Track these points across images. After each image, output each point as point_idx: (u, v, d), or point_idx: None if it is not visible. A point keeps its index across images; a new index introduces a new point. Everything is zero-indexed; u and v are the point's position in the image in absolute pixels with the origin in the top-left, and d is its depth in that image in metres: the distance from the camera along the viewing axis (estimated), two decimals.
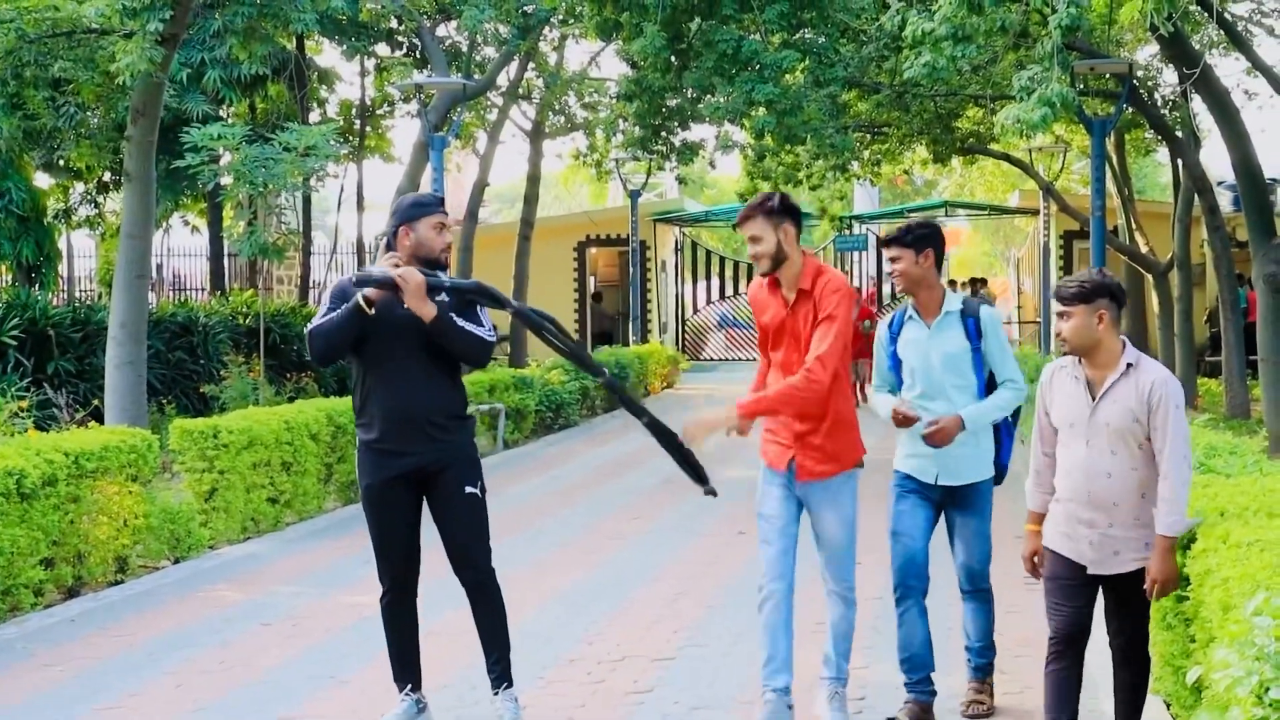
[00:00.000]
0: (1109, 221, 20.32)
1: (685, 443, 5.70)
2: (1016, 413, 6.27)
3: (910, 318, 6.15)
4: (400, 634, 5.99)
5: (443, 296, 5.74)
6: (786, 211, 5.74)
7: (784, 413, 5.75)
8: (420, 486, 5.89)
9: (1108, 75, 17.49)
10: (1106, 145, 17.81)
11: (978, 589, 6.22)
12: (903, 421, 6.00)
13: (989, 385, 6.12)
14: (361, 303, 5.65)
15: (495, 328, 5.98)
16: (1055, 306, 5.19)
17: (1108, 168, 21.58)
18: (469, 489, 5.85)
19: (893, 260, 6.11)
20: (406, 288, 5.59)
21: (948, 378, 6.05)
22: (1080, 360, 5.17)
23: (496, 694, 5.93)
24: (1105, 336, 5.09)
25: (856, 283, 35.36)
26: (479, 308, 5.87)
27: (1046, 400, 5.34)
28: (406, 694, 6.00)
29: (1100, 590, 5.27)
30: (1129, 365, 5.08)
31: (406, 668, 6.02)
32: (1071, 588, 5.22)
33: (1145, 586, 5.07)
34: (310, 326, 5.78)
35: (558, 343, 5.76)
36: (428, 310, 5.62)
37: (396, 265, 5.75)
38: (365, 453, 5.90)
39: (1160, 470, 5.01)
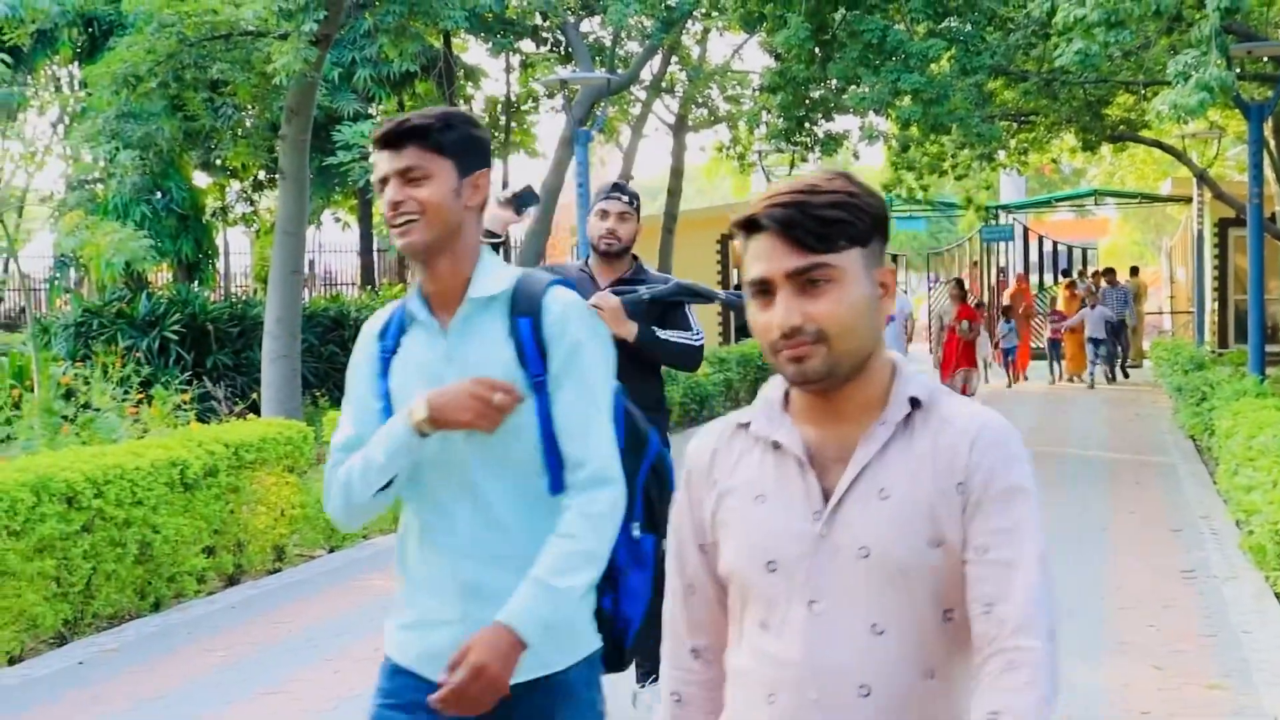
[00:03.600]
0: (1267, 209, 19.74)
1: None
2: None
3: None
4: None
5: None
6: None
7: None
8: None
9: (1266, 58, 16.96)
10: (1265, 130, 17.26)
11: None
12: None
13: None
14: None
15: (703, 329, 5.77)
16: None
17: (1266, 154, 20.93)
18: None
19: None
20: (604, 314, 5.30)
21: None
22: (787, 401, 2.16)
23: (642, 686, 5.90)
24: (863, 328, 2.06)
25: (1001, 275, 34.77)
26: (686, 308, 5.67)
27: (701, 516, 2.22)
28: None
29: None
30: (914, 403, 2.09)
31: None
32: None
33: None
34: None
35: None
36: (629, 331, 5.41)
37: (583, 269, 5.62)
38: None
39: (992, 641, 1.99)
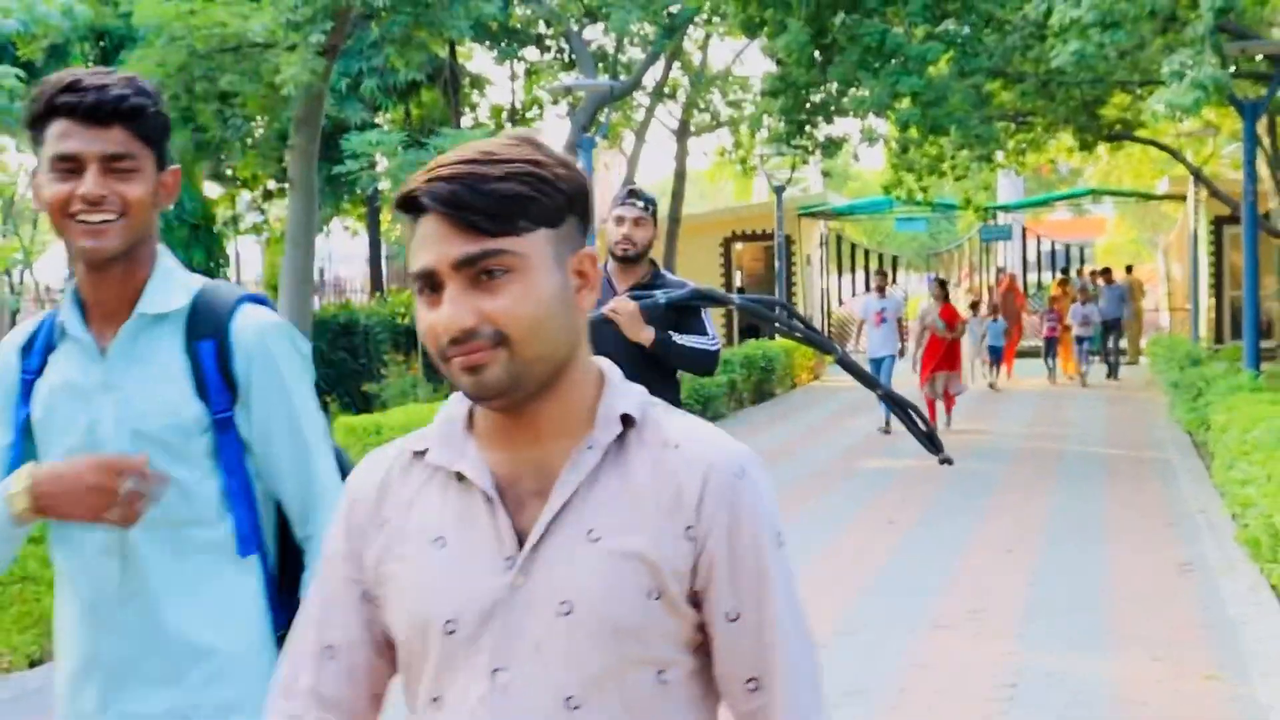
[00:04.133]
0: (1261, 206, 19.74)
1: (918, 415, 5.24)
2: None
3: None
4: None
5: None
6: None
7: None
8: None
9: (1260, 57, 16.96)
10: (1259, 128, 17.26)
11: None
12: None
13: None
14: None
15: (719, 334, 5.78)
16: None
17: (1260, 152, 20.93)
18: None
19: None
20: (620, 319, 5.42)
21: None
22: (472, 421, 1.73)
23: None
24: (554, 327, 1.63)
25: (1000, 274, 34.77)
26: (703, 313, 5.67)
27: (363, 562, 1.75)
28: None
29: None
30: (627, 422, 1.68)
31: None
32: None
33: None
34: None
35: (788, 327, 5.60)
36: (646, 336, 5.46)
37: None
38: None
39: None
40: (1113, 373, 25.27)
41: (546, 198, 1.60)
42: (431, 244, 1.59)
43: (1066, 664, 6.76)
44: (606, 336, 5.60)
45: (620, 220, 5.68)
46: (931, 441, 5.29)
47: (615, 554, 1.60)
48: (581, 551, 1.61)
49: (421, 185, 1.58)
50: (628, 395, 1.69)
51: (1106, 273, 28.19)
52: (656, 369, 5.67)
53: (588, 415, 1.66)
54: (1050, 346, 25.16)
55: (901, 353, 17.74)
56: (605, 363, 1.74)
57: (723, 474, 1.63)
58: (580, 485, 1.63)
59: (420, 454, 1.73)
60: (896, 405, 5.36)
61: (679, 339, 5.56)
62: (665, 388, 5.78)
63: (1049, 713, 5.99)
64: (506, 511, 1.64)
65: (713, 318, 5.76)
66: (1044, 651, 7.01)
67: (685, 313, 5.63)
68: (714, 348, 5.66)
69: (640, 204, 5.73)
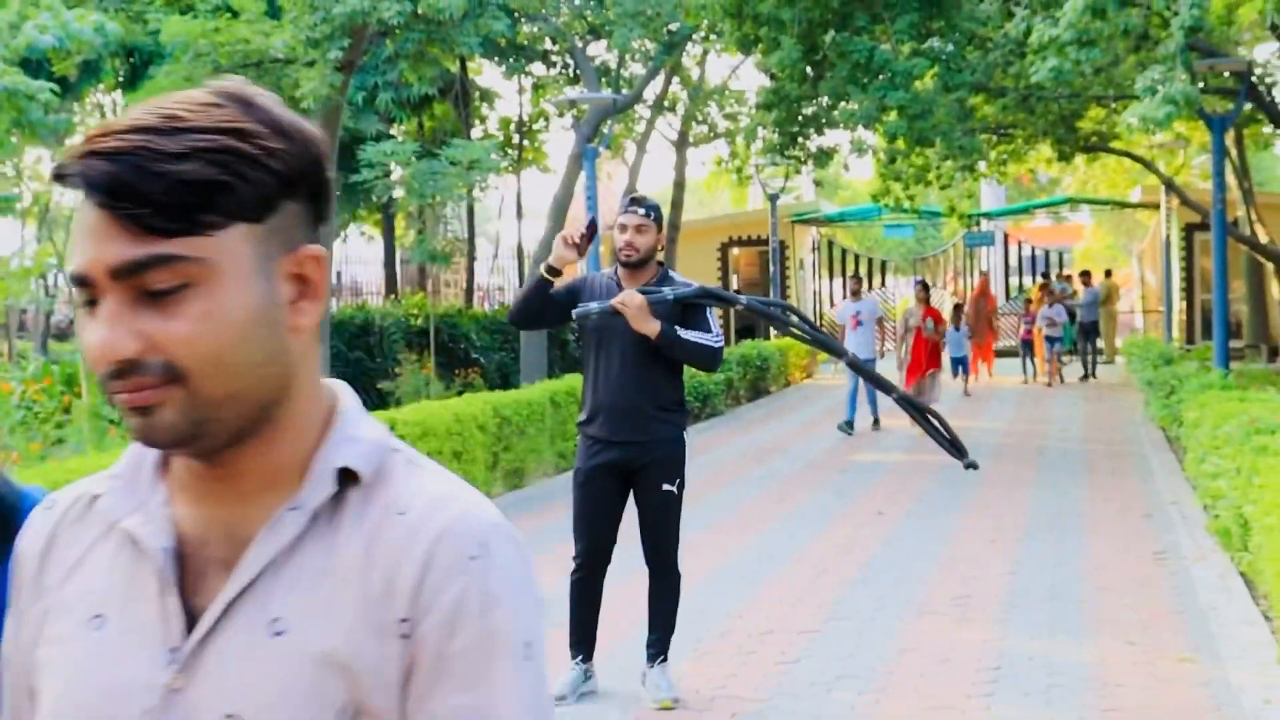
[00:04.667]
0: (1230, 214, 19.72)
1: (935, 417, 5.24)
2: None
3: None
4: (585, 608, 5.99)
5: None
6: None
7: None
8: (626, 477, 5.84)
9: (1227, 73, 16.97)
10: (1226, 140, 17.24)
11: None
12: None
13: None
14: (544, 273, 5.73)
15: (722, 332, 5.79)
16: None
17: (1228, 162, 20.92)
18: (666, 486, 5.78)
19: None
20: (628, 311, 5.51)
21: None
22: (166, 464, 1.22)
23: (651, 667, 5.95)
24: (251, 358, 1.12)
25: (984, 277, 34.73)
26: (707, 312, 5.70)
27: (24, 643, 1.23)
28: (578, 663, 6.05)
29: None
30: (348, 478, 1.17)
31: (584, 639, 6.02)
32: None
33: None
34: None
35: (795, 330, 5.65)
36: (651, 328, 5.52)
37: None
38: (581, 439, 5.91)
39: None
40: (1089, 373, 25.07)
41: (246, 182, 1.09)
42: (87, 240, 1.09)
43: (1047, 648, 6.76)
44: (615, 330, 5.63)
45: (623, 228, 5.74)
46: (955, 446, 5.09)
47: (301, 654, 1.11)
48: (261, 648, 1.12)
49: (75, 160, 1.09)
50: (356, 442, 1.18)
51: (1086, 275, 28.05)
52: (661, 364, 5.70)
53: (302, 467, 1.17)
54: (1027, 348, 24.90)
55: (882, 354, 17.48)
56: (342, 392, 1.24)
57: (454, 550, 1.13)
58: (275, 559, 1.14)
59: (87, 511, 1.23)
60: (915, 410, 5.29)
61: (684, 334, 5.59)
62: (670, 384, 5.80)
63: (1030, 694, 5.98)
64: (179, 587, 1.15)
65: (718, 319, 5.77)
66: (1026, 636, 7.00)
67: (691, 310, 5.66)
68: (717, 344, 5.68)
69: (641, 211, 5.77)
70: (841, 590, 8.20)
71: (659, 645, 5.93)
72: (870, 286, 38.55)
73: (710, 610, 7.76)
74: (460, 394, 16.68)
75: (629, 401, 5.72)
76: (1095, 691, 6.03)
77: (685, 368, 5.87)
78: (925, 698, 5.96)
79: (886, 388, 5.67)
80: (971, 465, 5.39)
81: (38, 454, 10.24)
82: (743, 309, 5.75)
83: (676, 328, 5.58)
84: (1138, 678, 6.20)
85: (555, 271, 5.72)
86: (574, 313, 5.69)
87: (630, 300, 5.53)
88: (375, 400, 18.13)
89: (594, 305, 5.64)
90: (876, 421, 16.56)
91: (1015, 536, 9.75)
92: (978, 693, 6.01)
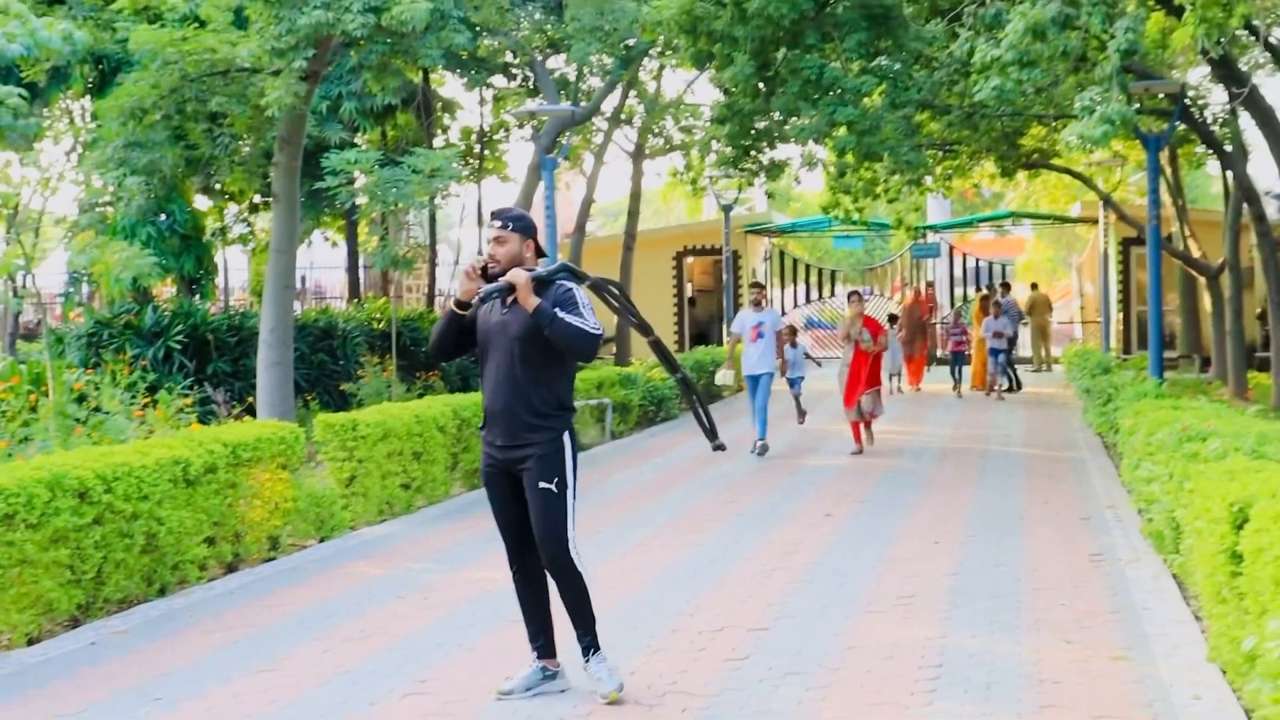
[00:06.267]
0: (1164, 229, 19.93)
1: (703, 405, 6.12)
2: None
3: None
4: (524, 602, 6.04)
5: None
6: None
7: None
8: (515, 477, 5.90)
9: (1161, 95, 17.18)
10: (1161, 159, 17.43)
11: None
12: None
13: None
14: (453, 306, 5.87)
15: (601, 326, 5.88)
16: None
17: (1162, 180, 21.14)
18: (544, 485, 5.78)
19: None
20: (519, 283, 5.70)
21: None
22: None
23: (588, 662, 5.95)
24: None
25: (930, 287, 34.92)
26: (582, 307, 5.78)
27: None
28: (534, 660, 6.04)
29: None
30: None
31: (539, 632, 6.04)
32: None
33: None
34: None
35: (618, 304, 6.00)
36: (533, 302, 5.70)
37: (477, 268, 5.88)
38: (482, 444, 6.03)
39: None
40: (1013, 386, 23.94)
41: None
42: None
43: (988, 645, 6.80)
44: (498, 339, 5.86)
45: (488, 241, 5.96)
46: (711, 431, 6.12)
47: None
48: None
49: None
50: None
51: (1005, 287, 27.23)
52: (539, 369, 5.83)
53: None
54: (956, 359, 23.71)
55: (776, 374, 15.73)
56: None
57: None
58: None
59: None
60: (689, 390, 6.13)
61: (563, 315, 5.66)
62: (550, 388, 5.87)
63: (971, 690, 6.02)
64: None
65: (594, 310, 5.85)
66: (967, 634, 7.04)
67: (566, 304, 5.77)
68: (595, 331, 5.78)
69: (498, 223, 5.96)
70: (790, 589, 8.22)
71: (585, 640, 5.94)
72: (820, 295, 38.67)
73: (662, 608, 7.76)
74: (421, 396, 16.63)
75: (507, 408, 5.83)
76: (1033, 688, 6.07)
77: (572, 377, 5.98)
78: (870, 693, 5.99)
79: (674, 367, 6.13)
80: (720, 447, 6.25)
81: (4, 452, 10.12)
82: (588, 286, 5.93)
83: (556, 309, 5.71)
84: (1074, 674, 6.25)
85: (464, 305, 5.87)
86: (478, 293, 5.76)
87: (517, 276, 5.72)
88: (338, 401, 18.02)
89: (490, 285, 5.77)
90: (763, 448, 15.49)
91: (958, 538, 9.81)
92: (920, 689, 6.04)
